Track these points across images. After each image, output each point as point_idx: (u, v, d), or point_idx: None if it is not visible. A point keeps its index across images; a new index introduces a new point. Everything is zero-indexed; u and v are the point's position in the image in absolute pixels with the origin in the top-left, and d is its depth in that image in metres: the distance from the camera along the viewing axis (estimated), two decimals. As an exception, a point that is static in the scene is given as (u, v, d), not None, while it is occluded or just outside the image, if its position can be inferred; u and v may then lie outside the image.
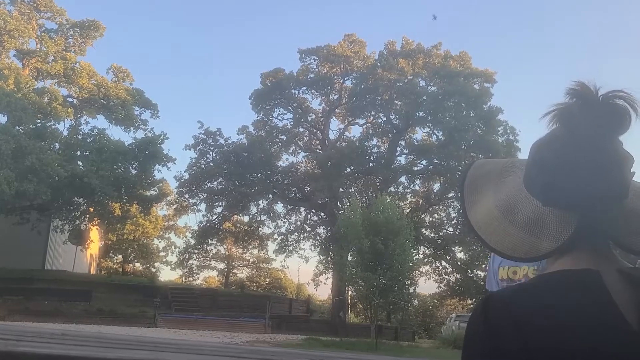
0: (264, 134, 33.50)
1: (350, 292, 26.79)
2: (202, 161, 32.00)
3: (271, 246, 35.68)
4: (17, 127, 23.60)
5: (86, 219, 28.31)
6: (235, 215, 34.93)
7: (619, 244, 0.80)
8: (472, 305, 30.66)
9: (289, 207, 33.43)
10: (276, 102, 33.81)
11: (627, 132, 0.80)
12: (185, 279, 41.09)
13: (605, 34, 56.34)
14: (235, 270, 46.51)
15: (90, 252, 37.91)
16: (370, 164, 31.58)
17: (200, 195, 32.56)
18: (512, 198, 0.86)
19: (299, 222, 33.94)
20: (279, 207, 33.72)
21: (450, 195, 30.04)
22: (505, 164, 0.94)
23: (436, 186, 32.79)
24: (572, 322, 0.70)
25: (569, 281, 0.75)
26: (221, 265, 45.51)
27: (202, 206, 32.92)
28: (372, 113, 33.48)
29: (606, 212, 0.79)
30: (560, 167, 0.80)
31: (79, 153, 26.45)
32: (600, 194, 0.78)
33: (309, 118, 34.79)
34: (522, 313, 0.72)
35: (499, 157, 0.95)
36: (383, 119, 33.26)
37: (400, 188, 32.88)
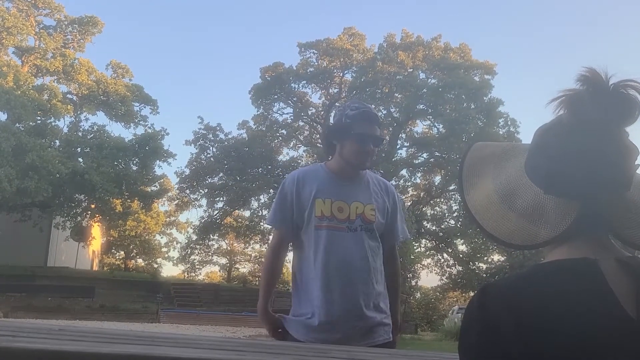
0: (264, 129, 33.48)
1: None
2: (203, 156, 32.01)
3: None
4: (17, 125, 23.62)
5: (87, 216, 28.36)
6: (236, 210, 34.96)
7: (618, 236, 0.79)
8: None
9: (291, 202, 33.40)
10: (276, 97, 33.75)
11: (636, 122, 0.78)
12: (187, 274, 41.29)
13: (610, 22, 56.18)
14: (237, 265, 46.65)
15: (92, 249, 38.07)
16: (371, 158, 31.53)
17: (201, 190, 32.57)
18: (512, 183, 0.84)
19: (300, 217, 33.93)
20: (281, 202, 33.69)
21: (452, 187, 30.01)
22: (506, 147, 0.92)
23: (437, 179, 32.78)
24: (569, 309, 0.69)
25: (566, 269, 0.75)
26: (223, 261, 45.67)
27: (203, 201, 32.96)
28: (372, 106, 33.34)
29: (608, 202, 0.77)
30: (564, 155, 0.78)
31: (79, 150, 26.46)
32: (604, 184, 0.76)
33: (309, 112, 34.75)
34: (518, 300, 0.72)
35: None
36: (383, 112, 33.19)
37: (402, 181, 32.86)
